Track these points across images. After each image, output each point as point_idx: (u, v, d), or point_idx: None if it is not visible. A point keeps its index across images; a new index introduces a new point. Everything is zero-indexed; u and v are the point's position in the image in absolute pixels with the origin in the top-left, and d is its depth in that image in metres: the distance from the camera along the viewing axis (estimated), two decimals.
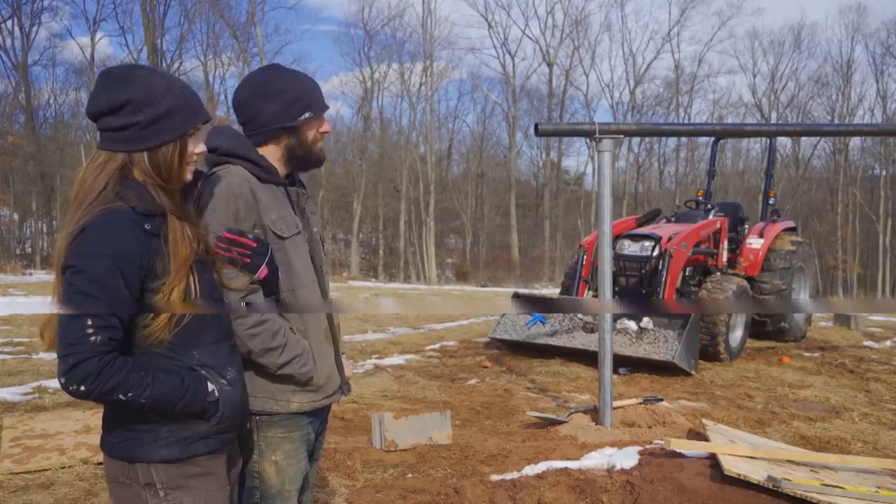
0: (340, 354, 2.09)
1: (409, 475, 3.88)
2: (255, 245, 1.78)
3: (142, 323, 1.53)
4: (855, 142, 38.36)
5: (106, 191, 1.53)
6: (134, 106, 1.54)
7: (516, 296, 8.57)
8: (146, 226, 1.53)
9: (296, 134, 1.98)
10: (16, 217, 31.84)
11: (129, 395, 1.46)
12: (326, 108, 2.03)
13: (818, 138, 37.98)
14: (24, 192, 31.32)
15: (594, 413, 4.98)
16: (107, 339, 1.44)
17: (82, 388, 1.43)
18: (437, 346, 8.92)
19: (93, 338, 1.43)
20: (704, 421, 4.74)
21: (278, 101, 1.93)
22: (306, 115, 1.96)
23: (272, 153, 1.97)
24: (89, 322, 1.43)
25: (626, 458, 3.87)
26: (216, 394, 1.59)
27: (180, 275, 1.54)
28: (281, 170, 1.99)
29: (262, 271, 1.79)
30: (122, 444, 1.59)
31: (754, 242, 9.18)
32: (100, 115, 1.57)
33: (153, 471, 1.58)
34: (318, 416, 2.05)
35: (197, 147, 1.66)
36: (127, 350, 1.53)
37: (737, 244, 9.30)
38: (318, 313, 1.99)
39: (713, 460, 3.66)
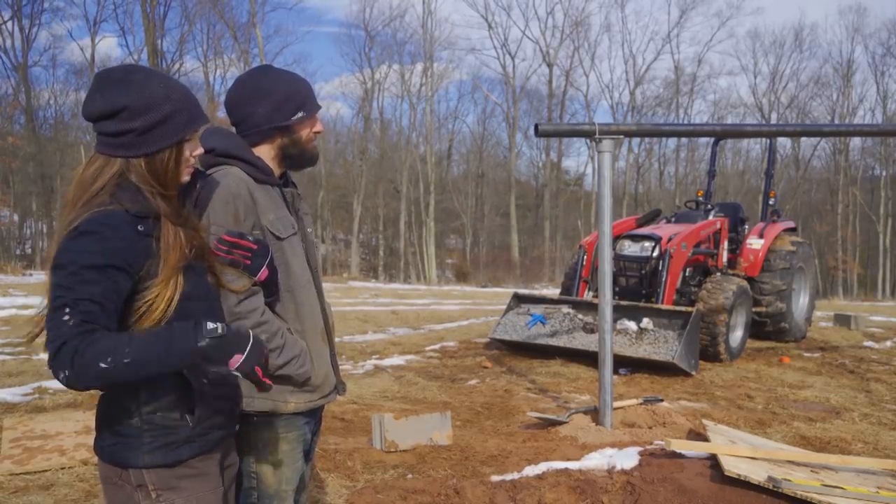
0: (335, 354, 2.09)
1: (410, 476, 3.88)
2: (255, 247, 1.77)
3: (126, 323, 1.52)
4: (855, 142, 38.44)
5: (101, 193, 1.52)
6: (130, 112, 1.52)
7: (517, 296, 8.56)
8: (139, 227, 1.52)
9: (289, 134, 1.98)
10: (16, 218, 31.84)
11: (110, 360, 1.38)
12: (319, 107, 2.03)
13: (818, 139, 38.01)
14: (24, 193, 31.32)
15: (594, 414, 4.97)
16: (80, 321, 1.40)
17: (67, 371, 1.37)
18: (437, 346, 8.92)
19: (70, 322, 1.39)
20: (705, 421, 4.73)
21: (271, 102, 1.93)
22: (299, 114, 1.96)
23: (266, 153, 1.97)
24: (66, 310, 1.40)
25: (627, 459, 3.86)
26: (219, 330, 1.48)
27: (167, 280, 1.52)
28: (275, 170, 1.99)
29: (263, 273, 1.78)
30: (110, 448, 1.59)
31: (754, 243, 9.18)
32: (96, 119, 1.55)
33: (144, 473, 1.58)
34: (314, 416, 2.06)
35: (195, 150, 1.64)
36: None
37: (737, 244, 9.29)
38: (314, 314, 1.99)
39: (713, 461, 3.66)
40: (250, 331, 1.57)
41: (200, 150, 1.67)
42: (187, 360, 1.47)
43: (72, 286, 1.42)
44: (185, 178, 1.64)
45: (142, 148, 1.55)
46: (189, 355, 1.46)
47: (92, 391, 1.51)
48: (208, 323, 1.48)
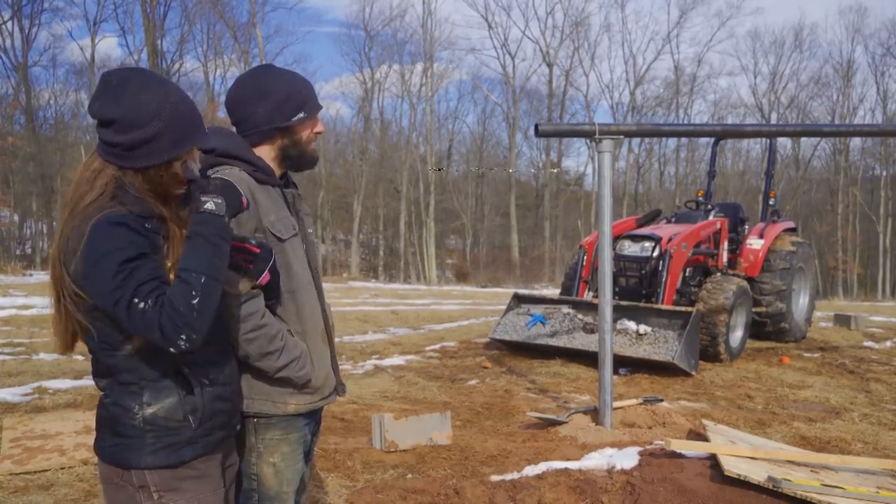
0: (335, 355, 2.09)
1: (410, 476, 3.88)
2: (257, 251, 1.75)
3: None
4: (855, 142, 38.42)
5: (102, 196, 1.53)
6: (119, 126, 1.52)
7: (517, 296, 8.56)
8: (146, 224, 1.52)
9: (290, 134, 1.97)
10: (16, 218, 31.83)
11: (194, 293, 1.44)
12: (320, 107, 2.02)
13: (818, 139, 38.01)
14: (24, 193, 31.32)
15: (594, 414, 4.97)
16: (154, 300, 1.44)
17: (183, 335, 1.43)
18: (437, 346, 8.92)
19: (146, 306, 1.43)
20: (704, 421, 4.73)
21: (271, 102, 1.92)
22: (300, 115, 1.96)
23: (266, 154, 1.97)
24: (135, 301, 1.43)
25: (627, 459, 3.86)
26: (217, 199, 1.57)
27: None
28: (275, 170, 1.98)
29: (265, 277, 1.77)
30: (111, 449, 1.60)
31: (754, 243, 9.18)
32: (97, 121, 1.56)
33: (147, 474, 1.58)
34: (314, 417, 2.06)
35: (191, 167, 1.61)
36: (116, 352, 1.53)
37: (737, 245, 9.29)
38: (315, 315, 1.98)
39: (713, 461, 3.66)
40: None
41: (196, 171, 1.64)
42: (227, 234, 1.57)
43: (123, 283, 1.44)
44: (178, 191, 1.63)
45: (129, 161, 1.55)
46: (226, 227, 1.57)
47: (92, 391, 1.52)
48: (203, 204, 1.55)
